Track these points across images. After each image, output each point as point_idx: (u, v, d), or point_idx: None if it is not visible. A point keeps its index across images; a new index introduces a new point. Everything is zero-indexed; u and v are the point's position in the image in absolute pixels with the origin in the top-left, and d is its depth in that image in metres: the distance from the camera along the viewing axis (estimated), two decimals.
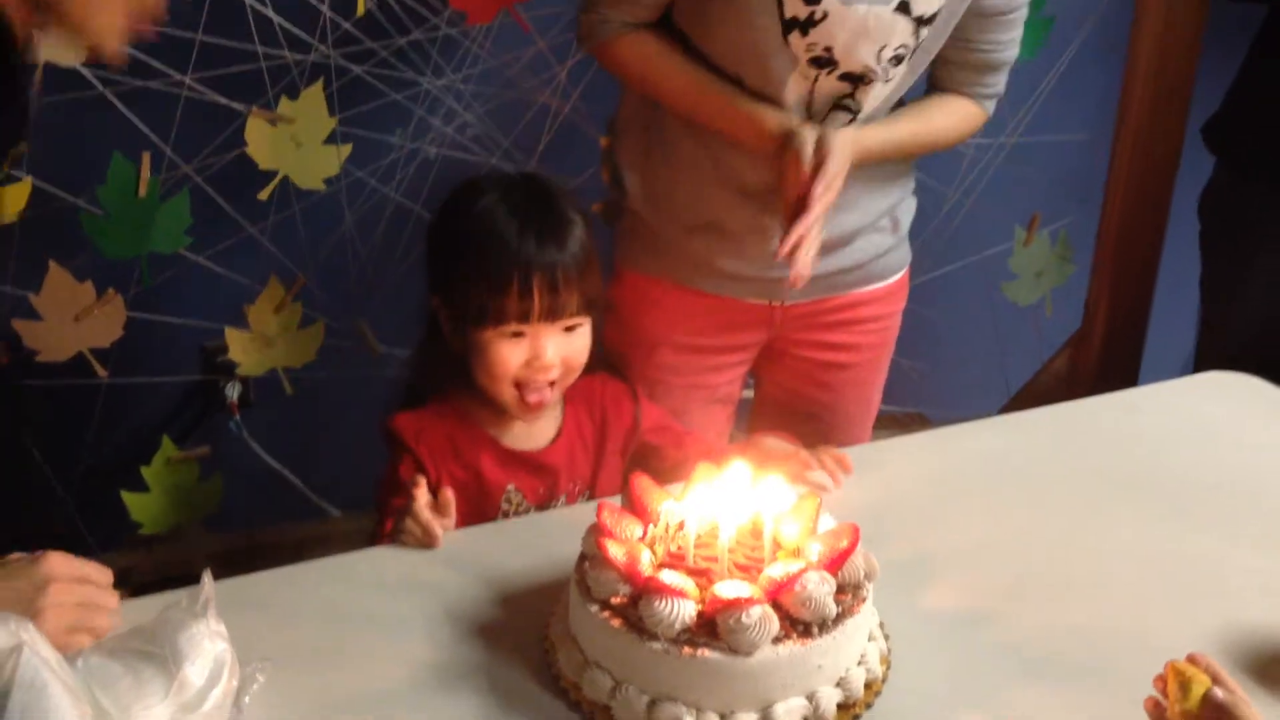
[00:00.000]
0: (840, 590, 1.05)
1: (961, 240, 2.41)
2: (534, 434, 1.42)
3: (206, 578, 1.01)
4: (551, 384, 1.36)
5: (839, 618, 1.03)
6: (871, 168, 1.49)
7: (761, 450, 1.38)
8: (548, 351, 1.33)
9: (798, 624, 1.02)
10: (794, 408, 1.67)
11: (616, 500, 1.18)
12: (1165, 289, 2.50)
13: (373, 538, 1.33)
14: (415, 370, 1.46)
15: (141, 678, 0.95)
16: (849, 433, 1.67)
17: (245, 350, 1.95)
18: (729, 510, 1.10)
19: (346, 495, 2.21)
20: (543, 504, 1.42)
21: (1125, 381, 2.48)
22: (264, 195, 1.87)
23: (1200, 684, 0.92)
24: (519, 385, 1.34)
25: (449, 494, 1.30)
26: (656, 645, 1.01)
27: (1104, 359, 2.54)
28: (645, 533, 1.11)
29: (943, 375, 2.56)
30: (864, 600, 1.06)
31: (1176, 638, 1.13)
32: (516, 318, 1.31)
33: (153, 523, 2.02)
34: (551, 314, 1.32)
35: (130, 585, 2.02)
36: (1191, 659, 0.99)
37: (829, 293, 1.59)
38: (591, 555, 1.10)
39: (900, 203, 1.60)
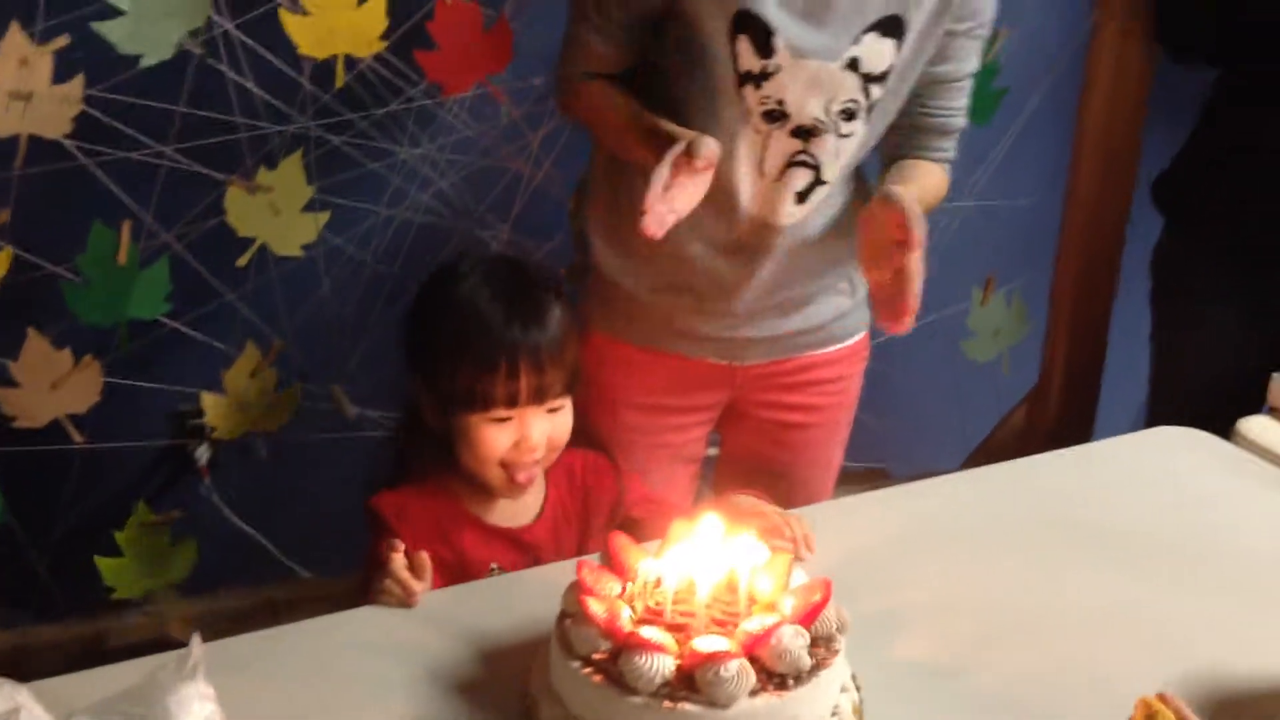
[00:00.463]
0: (814, 643, 1.08)
1: (922, 300, 2.46)
2: (517, 511, 1.44)
3: (196, 640, 1.02)
4: (536, 461, 1.38)
5: (813, 669, 1.06)
6: (831, 234, 1.54)
7: (732, 508, 1.41)
8: (534, 434, 1.35)
9: (774, 676, 1.05)
10: (756, 466, 1.68)
11: (595, 558, 1.21)
12: (1118, 346, 2.58)
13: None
14: (397, 450, 1.48)
15: None
16: (810, 490, 1.69)
17: (221, 415, 1.96)
18: (705, 566, 1.13)
19: (317, 557, 2.21)
20: None
21: (1080, 435, 2.55)
22: (242, 262, 1.88)
23: None
24: (505, 466, 1.36)
25: (424, 557, 1.31)
26: (637, 700, 1.03)
27: (1060, 414, 2.60)
28: (624, 590, 1.14)
29: (904, 430, 2.61)
30: (837, 652, 1.09)
31: (1135, 683, 1.14)
32: (504, 403, 1.33)
33: (125, 587, 2.01)
34: (538, 396, 1.34)
35: (103, 651, 2.04)
36: (1161, 698, 1.02)
37: (788, 354, 1.62)
38: (572, 612, 1.12)
39: (856, 266, 1.62)
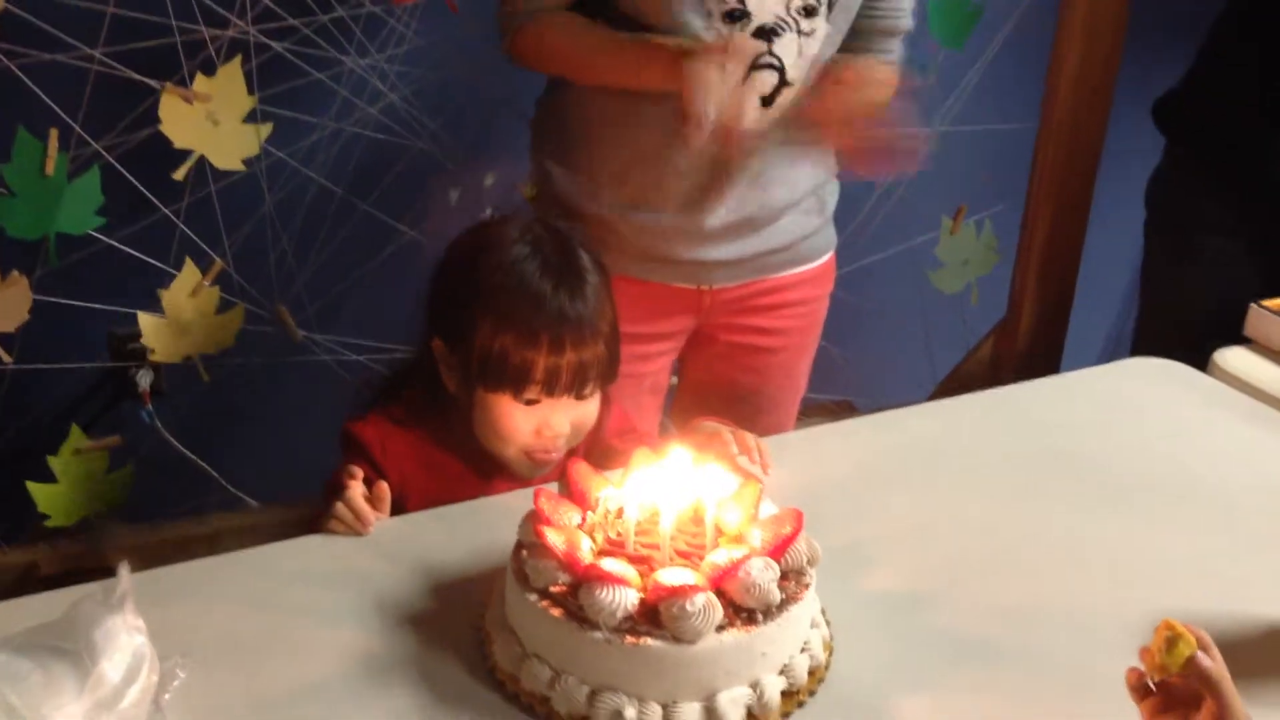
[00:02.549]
0: (784, 576, 1.04)
1: (889, 229, 2.43)
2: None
3: (124, 570, 0.97)
4: (560, 448, 1.32)
5: (783, 604, 1.02)
6: (796, 140, 1.50)
7: (696, 433, 1.37)
8: (556, 420, 1.29)
9: (741, 611, 1.01)
10: (720, 392, 1.66)
11: (554, 487, 1.16)
12: (1085, 279, 2.55)
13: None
14: (393, 382, 1.39)
15: (53, 674, 0.91)
16: (774, 416, 1.67)
17: (159, 337, 1.88)
18: (669, 496, 1.08)
19: (265, 486, 2.15)
20: None
21: (1048, 368, 2.53)
22: (179, 175, 1.78)
23: (1187, 645, 0.89)
24: (525, 449, 1.31)
25: (384, 486, 1.27)
26: (597, 635, 0.99)
27: (1028, 347, 2.58)
28: (584, 520, 1.10)
29: (870, 362, 2.58)
30: (807, 586, 1.06)
31: (1108, 620, 1.15)
32: (542, 385, 1.26)
33: (61, 514, 1.94)
34: (576, 382, 1.27)
35: (37, 579, 1.98)
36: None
37: (757, 275, 1.59)
38: (529, 543, 1.07)
39: (825, 184, 1.61)
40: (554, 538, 1.04)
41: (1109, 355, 2.74)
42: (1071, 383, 1.71)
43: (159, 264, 1.88)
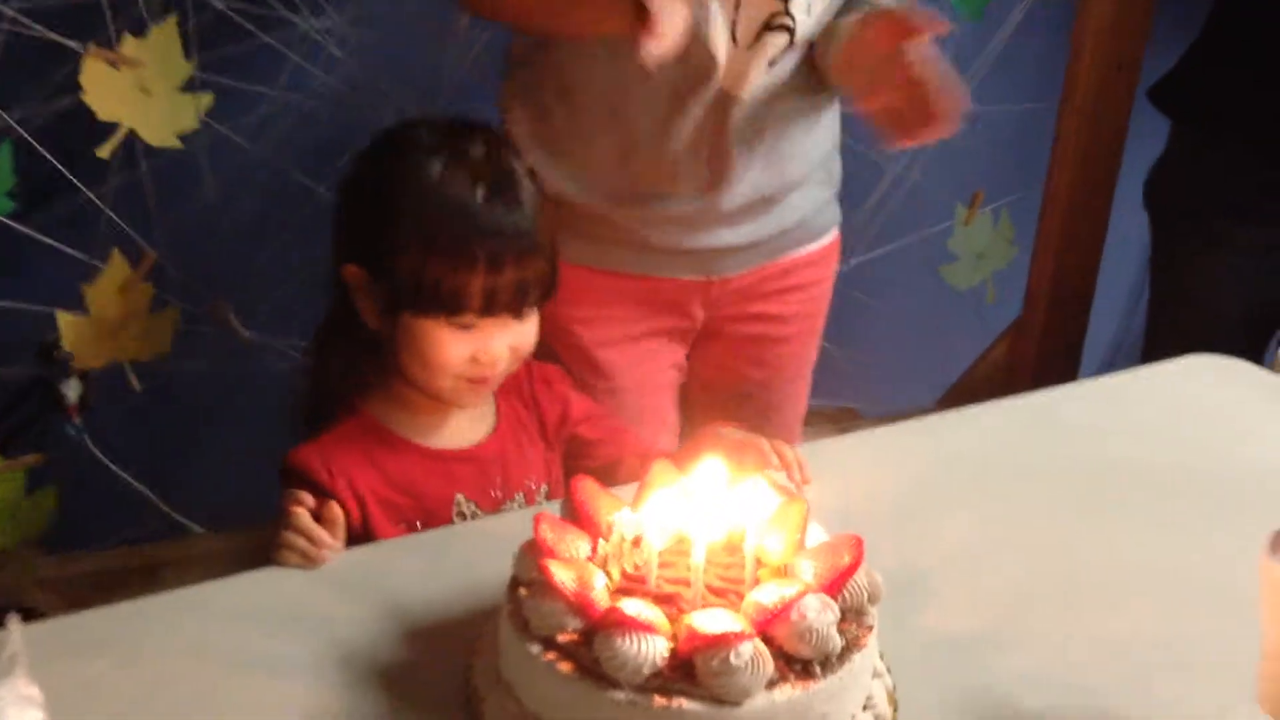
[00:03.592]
0: (843, 619, 0.88)
1: (899, 219, 2.30)
2: (466, 429, 1.27)
3: (14, 625, 0.79)
4: (499, 374, 1.23)
5: (844, 652, 0.86)
6: (806, 106, 1.40)
7: (717, 441, 1.22)
8: (495, 345, 1.19)
9: (795, 663, 0.85)
10: (728, 389, 1.55)
11: (555, 508, 0.99)
12: (1103, 275, 2.43)
13: None
14: (319, 360, 1.27)
15: None
16: (784, 415, 1.59)
17: (82, 339, 1.72)
18: (698, 520, 0.91)
19: (212, 510, 2.00)
20: (500, 508, 1.27)
21: (1065, 372, 2.41)
22: (104, 152, 1.66)
23: None
24: (460, 376, 1.21)
25: (336, 508, 1.12)
26: (619, 695, 0.82)
27: (1043, 349, 2.46)
28: (595, 550, 0.93)
29: (875, 366, 2.45)
30: (870, 628, 0.89)
31: (1211, 653, 1.02)
32: (478, 307, 1.17)
33: None
34: (515, 301, 1.18)
35: None
36: None
37: (770, 258, 1.48)
38: (529, 580, 0.90)
39: (833, 152, 1.52)
40: (562, 574, 0.87)
41: (1115, 358, 2.62)
42: (1123, 386, 1.57)
43: (81, 255, 1.72)
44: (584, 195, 1.39)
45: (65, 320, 1.71)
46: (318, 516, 1.11)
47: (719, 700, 0.82)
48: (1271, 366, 1.57)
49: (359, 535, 1.18)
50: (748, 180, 1.39)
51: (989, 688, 0.98)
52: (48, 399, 1.83)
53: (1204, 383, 1.52)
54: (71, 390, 1.83)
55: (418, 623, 1.03)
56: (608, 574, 0.90)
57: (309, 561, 1.09)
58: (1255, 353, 1.87)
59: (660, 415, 1.47)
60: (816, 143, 1.46)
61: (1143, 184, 2.00)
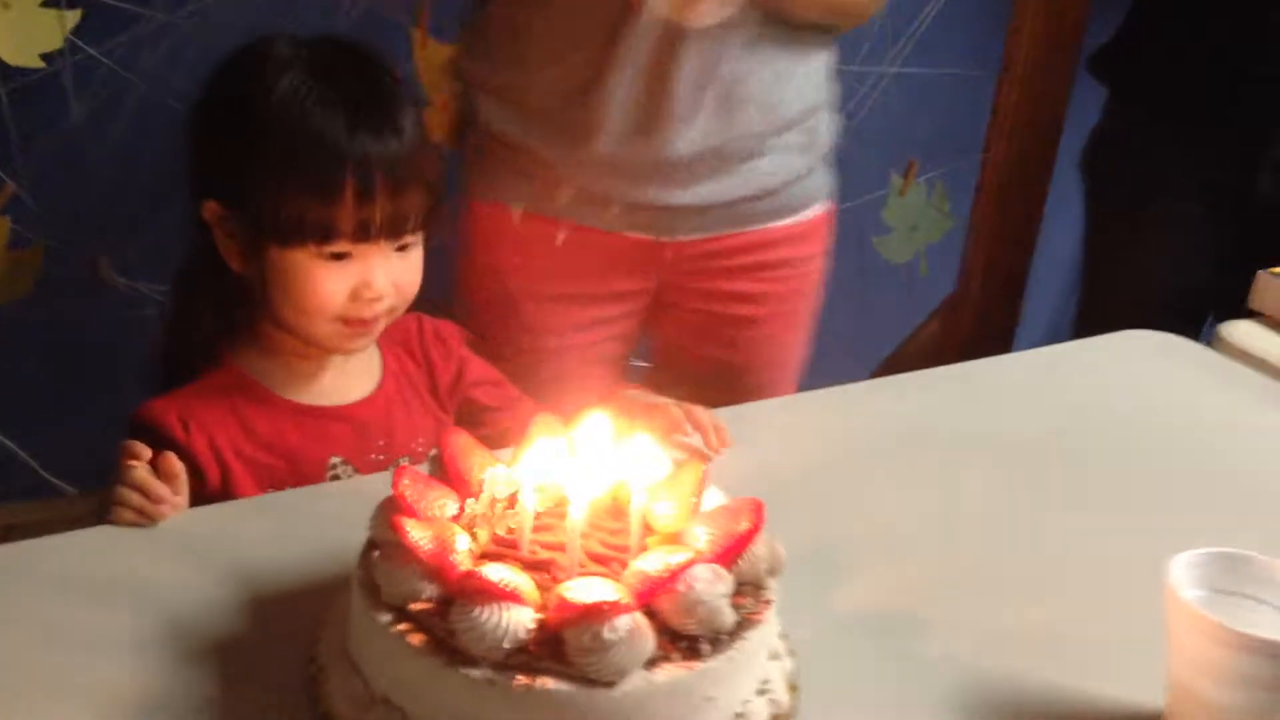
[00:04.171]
0: (738, 591, 0.78)
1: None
2: (347, 385, 1.18)
3: None
4: (382, 314, 1.12)
5: (737, 629, 0.77)
6: (773, 51, 1.28)
7: (619, 403, 1.12)
8: (378, 278, 1.09)
9: (680, 640, 0.75)
10: (695, 372, 1.45)
11: (425, 466, 0.89)
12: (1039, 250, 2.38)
13: None
14: (179, 308, 1.17)
15: None
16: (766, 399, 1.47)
17: None
18: (579, 479, 0.82)
19: (84, 469, 1.84)
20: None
21: (1000, 352, 2.34)
22: None
23: None
24: (340, 319, 1.11)
25: (175, 461, 1.01)
26: (474, 673, 0.72)
27: (977, 326, 2.40)
28: (461, 510, 0.82)
29: None
30: (769, 603, 0.80)
31: (1137, 646, 0.92)
32: (350, 234, 1.06)
33: None
34: (393, 228, 1.08)
35: None
36: None
37: (731, 227, 1.38)
38: (384, 542, 0.80)
39: (815, 113, 1.39)
40: (417, 534, 0.77)
41: (1051, 340, 2.56)
42: (1057, 358, 1.49)
43: None
44: (527, 136, 1.31)
45: None
46: (157, 471, 1.00)
47: (589, 681, 0.72)
48: (1208, 344, 1.49)
49: (219, 499, 1.07)
50: (695, 127, 1.29)
51: (902, 675, 0.90)
52: None
53: (1141, 358, 1.45)
54: None
55: (262, 592, 0.92)
56: (473, 537, 0.79)
57: (145, 519, 0.99)
58: (1190, 330, 1.83)
59: (584, 387, 1.35)
60: (787, 97, 1.34)
61: (1078, 155, 1.95)
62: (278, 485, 1.11)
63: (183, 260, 1.15)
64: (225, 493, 1.09)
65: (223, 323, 1.14)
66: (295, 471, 1.12)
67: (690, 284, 1.40)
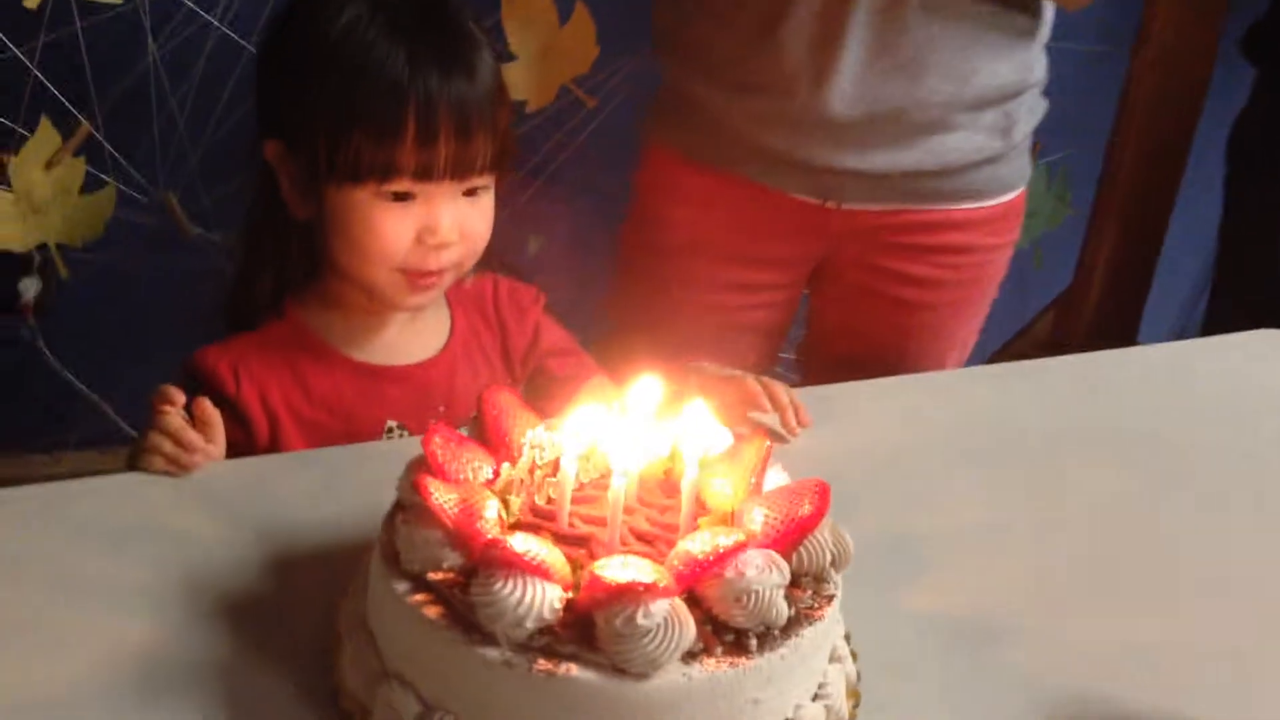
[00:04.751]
0: (795, 582, 0.71)
1: None
2: (411, 344, 1.13)
3: None
4: (446, 267, 1.07)
5: (792, 625, 0.69)
6: (971, 19, 1.20)
7: (691, 375, 1.06)
8: (444, 220, 1.03)
9: (726, 632, 0.68)
10: (847, 354, 1.39)
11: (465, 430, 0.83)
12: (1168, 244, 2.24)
13: None
14: (244, 255, 1.12)
15: None
16: None
17: (2, 214, 1.56)
18: (630, 449, 0.75)
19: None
20: None
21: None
22: (32, 2, 1.49)
23: None
24: (404, 270, 1.05)
25: (209, 408, 0.97)
26: (492, 653, 0.66)
27: (1095, 324, 2.27)
28: (496, 475, 0.76)
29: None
30: (830, 600, 0.72)
31: (1257, 667, 0.83)
32: (412, 172, 1.01)
33: None
34: (459, 169, 1.02)
35: None
36: None
37: (906, 201, 1.30)
38: (409, 505, 0.74)
39: (1019, 96, 1.29)
40: (442, 496, 0.71)
41: (1178, 337, 2.42)
42: (1178, 356, 1.40)
43: (4, 120, 1.56)
44: (705, 87, 1.27)
45: None
46: (193, 417, 0.96)
47: (619, 671, 0.65)
48: None
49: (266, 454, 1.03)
50: (865, 84, 1.21)
51: (979, 692, 0.82)
52: (3, 292, 1.70)
53: (1272, 360, 1.34)
54: (29, 289, 1.70)
55: (290, 552, 0.88)
56: (505, 504, 0.73)
57: (175, 468, 0.95)
58: None
59: (727, 351, 1.28)
60: (983, 69, 1.25)
61: (1226, 137, 1.83)
62: (329, 445, 1.07)
63: (249, 207, 1.12)
64: (274, 449, 1.05)
65: (286, 273, 1.10)
66: (349, 432, 1.08)
67: (856, 258, 1.33)
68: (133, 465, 0.95)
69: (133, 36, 1.58)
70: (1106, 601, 0.91)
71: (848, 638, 0.80)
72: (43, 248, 1.65)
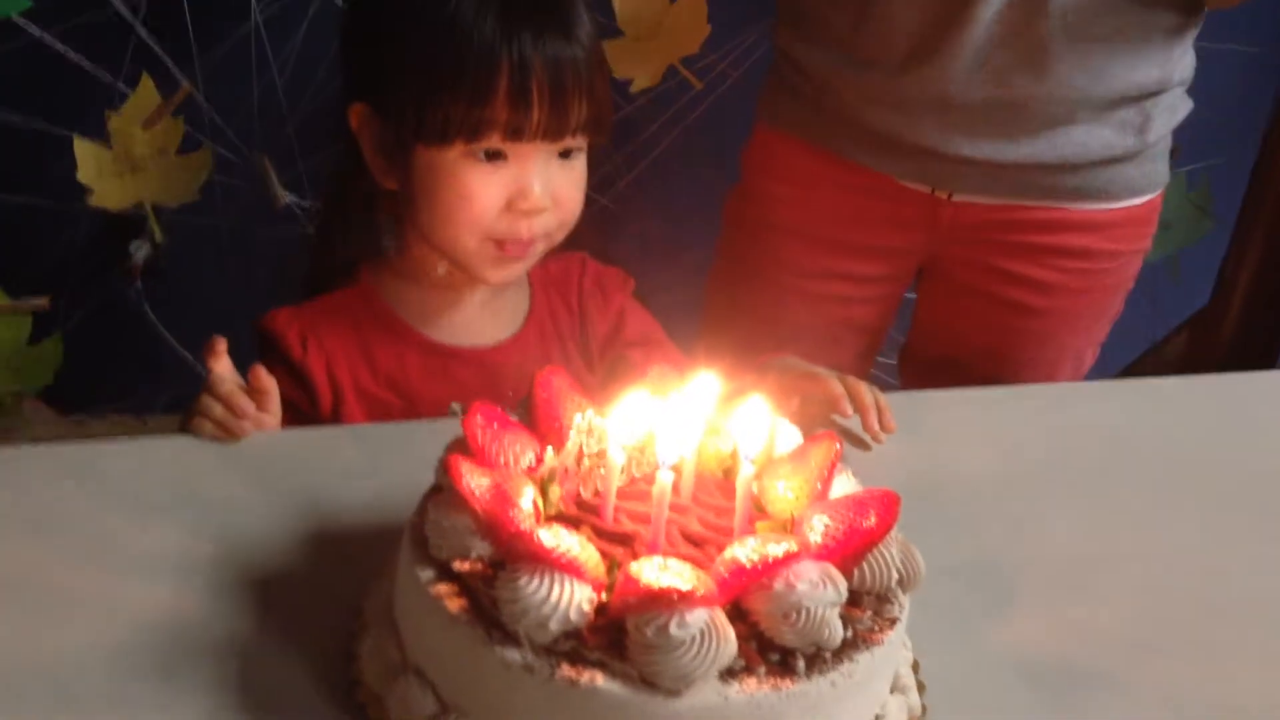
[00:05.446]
0: (856, 602, 0.64)
1: None
2: (484, 324, 1.09)
3: None
4: (537, 236, 1.03)
5: (846, 648, 0.63)
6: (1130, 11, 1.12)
7: (772, 371, 1.00)
8: (536, 185, 0.99)
9: (771, 651, 0.62)
10: (951, 356, 1.32)
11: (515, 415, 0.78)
12: None
13: None
14: (324, 223, 1.11)
15: None
16: None
17: (100, 172, 1.58)
18: (686, 443, 0.69)
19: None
20: None
21: None
22: None
23: None
24: (493, 238, 1.02)
25: (264, 376, 0.94)
26: (514, 654, 0.61)
27: (1234, 346, 2.13)
28: (540, 461, 0.71)
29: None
30: (893, 623, 0.66)
31: None
32: (504, 130, 0.98)
33: None
34: (553, 130, 0.99)
35: None
36: None
37: (1022, 197, 1.22)
38: (443, 488, 0.70)
39: (1159, 94, 1.20)
40: (474, 481, 0.66)
41: None
42: None
43: (106, 77, 1.57)
44: (818, 62, 1.22)
45: (82, 148, 1.57)
46: (249, 383, 0.94)
47: (648, 684, 0.60)
48: None
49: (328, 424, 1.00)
50: (986, 68, 1.14)
51: None
52: (113, 252, 1.71)
53: None
54: (140, 251, 1.72)
55: (326, 530, 0.84)
56: (542, 493, 0.68)
57: (225, 433, 0.92)
58: None
59: (819, 341, 1.24)
60: (1119, 64, 1.17)
61: None
62: (387, 416, 1.04)
63: (336, 165, 1.09)
64: (335, 419, 1.03)
65: (365, 243, 1.07)
66: (411, 410, 1.05)
67: (966, 255, 1.26)
68: (184, 428, 0.94)
69: None
70: (1207, 654, 0.83)
71: (916, 667, 0.73)
72: (140, 208, 1.66)
